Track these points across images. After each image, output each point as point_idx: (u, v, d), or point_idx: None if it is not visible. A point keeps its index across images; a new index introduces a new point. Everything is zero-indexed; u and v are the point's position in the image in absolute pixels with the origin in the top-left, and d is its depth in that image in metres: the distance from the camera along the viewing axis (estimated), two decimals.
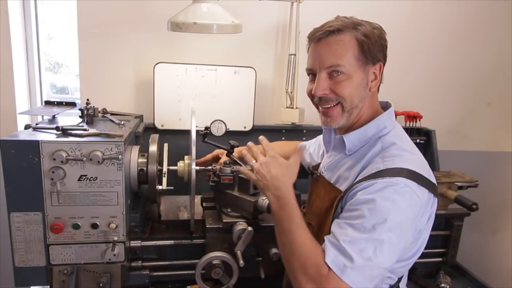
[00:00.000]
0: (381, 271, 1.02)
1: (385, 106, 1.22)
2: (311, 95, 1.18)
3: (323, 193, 1.23)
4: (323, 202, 1.20)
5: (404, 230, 1.03)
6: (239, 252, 1.41)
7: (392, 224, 0.99)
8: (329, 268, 0.98)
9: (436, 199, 1.12)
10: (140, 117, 1.86)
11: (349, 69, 1.10)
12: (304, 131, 2.11)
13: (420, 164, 1.10)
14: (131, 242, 1.52)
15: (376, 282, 1.01)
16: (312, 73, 1.18)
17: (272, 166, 1.18)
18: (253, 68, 1.99)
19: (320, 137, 1.54)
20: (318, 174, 1.31)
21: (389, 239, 0.99)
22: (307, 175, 1.68)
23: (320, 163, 1.38)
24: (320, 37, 1.12)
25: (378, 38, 1.12)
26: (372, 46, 1.11)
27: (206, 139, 1.61)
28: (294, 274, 1.04)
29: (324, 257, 1.00)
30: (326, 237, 1.05)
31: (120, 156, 1.31)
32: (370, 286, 0.99)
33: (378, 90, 1.21)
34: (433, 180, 1.11)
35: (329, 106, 1.15)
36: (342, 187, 1.16)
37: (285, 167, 1.19)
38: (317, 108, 1.21)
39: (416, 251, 1.15)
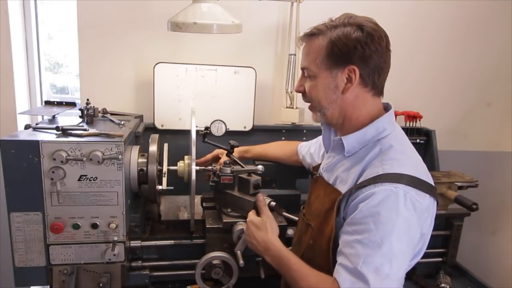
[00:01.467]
0: (398, 282, 1.03)
1: (385, 108, 1.22)
2: None
3: (322, 194, 1.23)
4: (323, 204, 1.20)
5: (411, 238, 1.04)
6: (239, 252, 1.41)
7: (399, 234, 1.00)
8: None
9: (436, 201, 1.12)
10: (140, 117, 1.86)
11: (314, 71, 1.15)
12: (304, 131, 2.11)
13: (418, 167, 1.10)
14: (131, 242, 1.52)
15: None
16: None
17: (253, 231, 1.29)
18: (253, 68, 1.99)
19: (321, 137, 1.55)
20: (318, 175, 1.31)
21: (400, 249, 1.00)
22: (307, 176, 1.68)
23: (320, 164, 1.38)
24: (301, 39, 1.20)
25: (352, 41, 1.08)
26: (342, 49, 1.09)
27: (206, 139, 1.61)
28: None
29: (340, 285, 1.00)
30: (339, 262, 1.05)
31: (120, 156, 1.31)
32: None
33: (383, 94, 1.19)
34: (432, 182, 1.11)
35: (309, 103, 1.23)
36: (341, 189, 1.16)
37: (263, 226, 1.28)
38: None
39: (416, 253, 1.15)
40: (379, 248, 0.98)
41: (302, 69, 1.20)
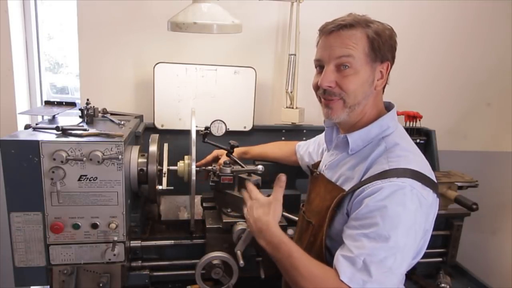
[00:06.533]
0: (399, 277, 1.03)
1: (388, 107, 1.23)
2: (316, 87, 1.17)
3: (323, 191, 1.23)
4: (324, 201, 1.20)
5: (416, 233, 1.04)
6: (239, 252, 1.41)
7: (406, 228, 1.00)
8: (349, 287, 0.97)
9: (438, 198, 1.12)
10: (140, 117, 1.86)
11: (357, 63, 1.10)
12: (304, 131, 2.11)
13: (422, 164, 1.10)
14: (131, 242, 1.52)
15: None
16: (320, 65, 1.16)
17: (254, 208, 1.20)
18: (253, 68, 1.99)
19: (319, 136, 1.55)
20: (318, 173, 1.31)
21: (405, 244, 1.00)
22: (307, 176, 1.68)
23: (319, 162, 1.38)
24: (332, 30, 1.11)
25: (388, 38, 1.12)
26: (382, 45, 1.11)
27: (206, 139, 1.61)
28: None
29: (340, 275, 0.98)
30: (339, 252, 1.03)
31: (120, 156, 1.31)
32: None
33: (384, 91, 1.21)
34: (435, 179, 1.11)
35: (332, 99, 1.14)
36: (345, 186, 1.15)
37: (266, 206, 1.19)
38: (320, 100, 1.20)
39: (419, 251, 1.15)
40: (385, 241, 0.97)
41: (339, 58, 1.10)
